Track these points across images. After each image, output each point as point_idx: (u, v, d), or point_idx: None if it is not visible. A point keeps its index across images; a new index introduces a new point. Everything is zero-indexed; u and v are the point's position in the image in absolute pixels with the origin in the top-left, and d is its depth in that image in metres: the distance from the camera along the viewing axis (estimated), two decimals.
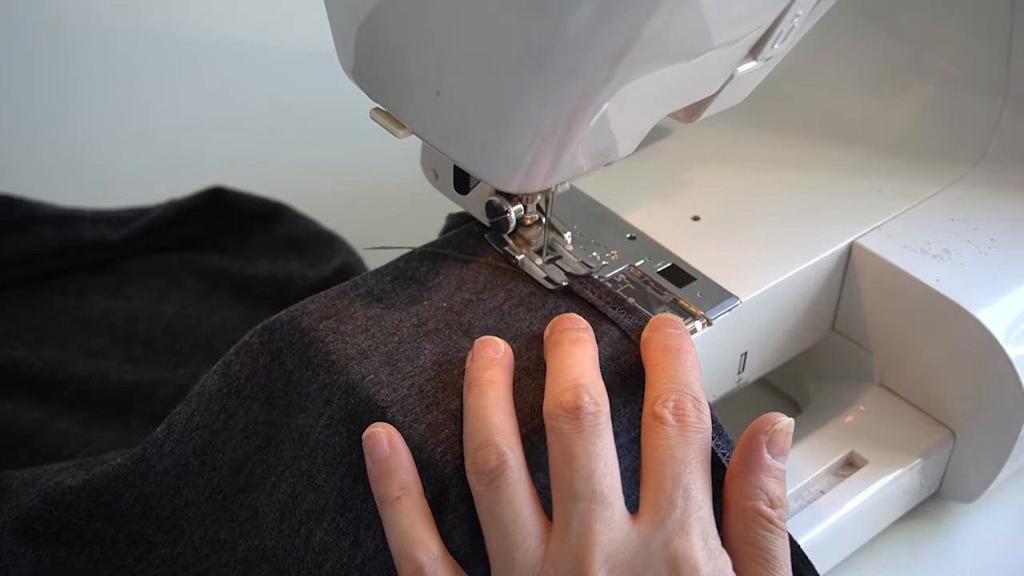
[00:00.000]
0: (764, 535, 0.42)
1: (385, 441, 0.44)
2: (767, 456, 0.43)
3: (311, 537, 0.46)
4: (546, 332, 0.48)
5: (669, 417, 0.43)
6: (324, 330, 0.48)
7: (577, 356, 0.45)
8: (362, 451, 0.45)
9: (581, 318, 0.48)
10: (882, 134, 0.63)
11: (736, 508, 0.43)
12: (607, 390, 0.46)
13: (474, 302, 0.50)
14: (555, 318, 0.48)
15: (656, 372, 0.46)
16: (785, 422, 0.44)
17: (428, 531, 0.44)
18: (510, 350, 0.47)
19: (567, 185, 0.52)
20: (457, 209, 0.56)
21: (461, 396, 0.46)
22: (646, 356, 0.47)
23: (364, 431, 0.45)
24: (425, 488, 0.45)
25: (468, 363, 0.46)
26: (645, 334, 0.48)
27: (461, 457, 0.45)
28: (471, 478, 0.43)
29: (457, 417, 0.46)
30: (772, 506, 0.43)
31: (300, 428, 0.48)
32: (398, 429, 0.45)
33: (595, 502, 0.41)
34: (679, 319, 0.48)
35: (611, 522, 0.41)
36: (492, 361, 0.46)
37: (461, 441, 0.45)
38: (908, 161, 0.61)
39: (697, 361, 0.46)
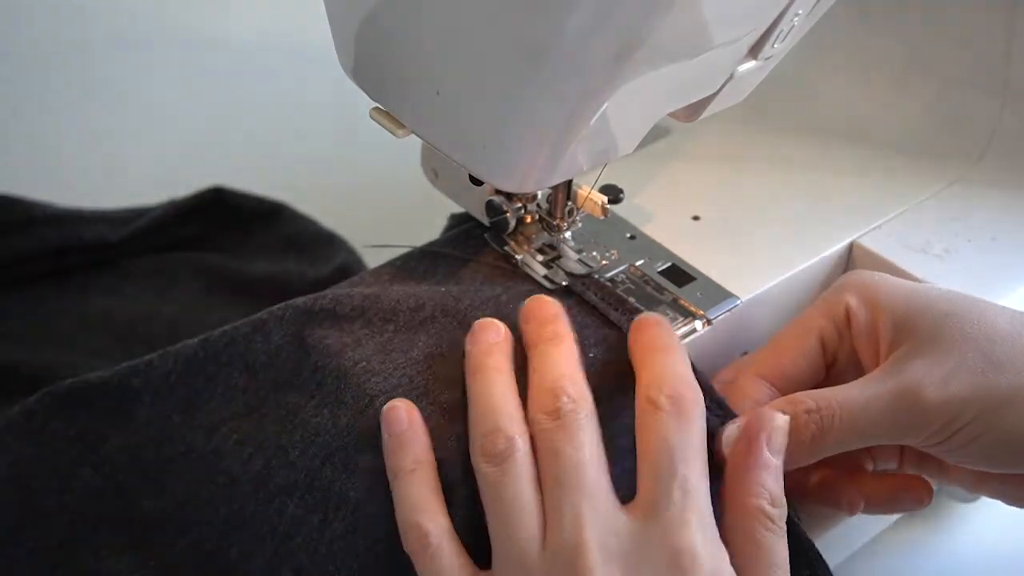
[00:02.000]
0: (766, 535, 0.42)
1: (404, 415, 0.45)
2: (768, 453, 0.43)
3: (284, 509, 0.47)
4: (520, 320, 0.48)
5: (664, 402, 0.43)
6: (320, 312, 0.49)
7: (555, 357, 0.46)
8: (337, 434, 0.46)
9: (551, 302, 0.48)
10: (882, 134, 0.63)
11: (738, 505, 0.43)
12: (606, 393, 0.46)
13: (471, 292, 0.51)
14: (526, 304, 0.48)
15: (647, 365, 0.46)
16: (782, 419, 0.44)
17: (439, 504, 0.44)
18: (509, 333, 0.47)
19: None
20: (458, 209, 0.56)
21: (450, 390, 0.47)
22: (634, 355, 0.47)
23: (348, 416, 0.46)
24: None
25: (468, 346, 0.47)
26: (631, 336, 0.47)
27: (445, 449, 0.45)
28: (477, 460, 0.44)
29: (445, 411, 0.46)
30: (774, 505, 0.43)
31: (289, 406, 0.48)
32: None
33: (582, 491, 0.42)
34: (664, 319, 0.48)
35: (600, 511, 0.41)
36: (494, 346, 0.46)
37: (446, 434, 0.45)
38: (908, 160, 0.61)
39: (687, 357, 0.47)
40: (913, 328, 0.45)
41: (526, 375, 0.46)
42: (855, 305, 0.47)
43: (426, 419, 0.45)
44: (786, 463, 0.45)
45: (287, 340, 0.49)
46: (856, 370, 0.48)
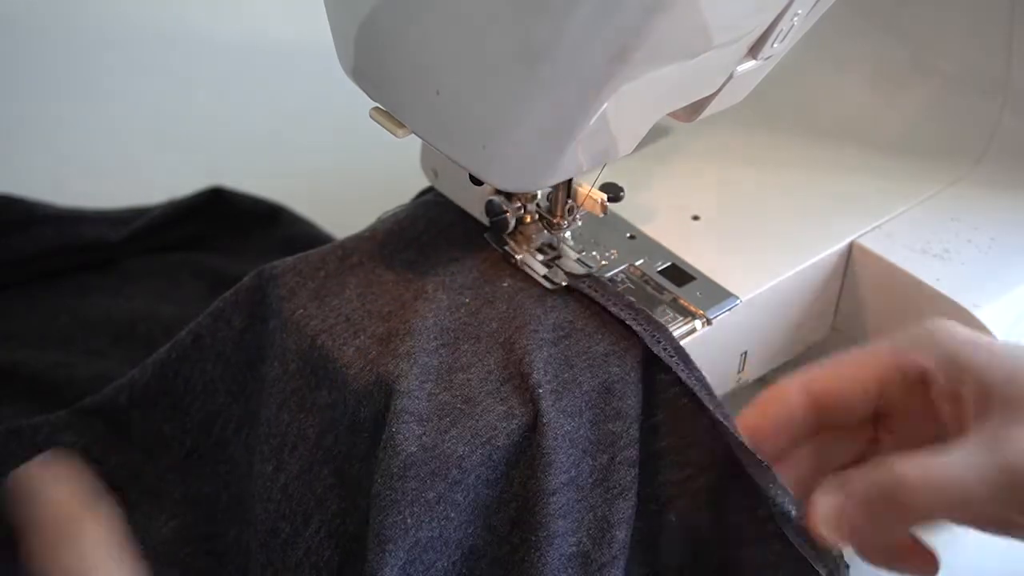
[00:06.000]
0: None
1: None
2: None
3: (250, 469, 0.48)
4: None
5: None
6: (263, 280, 0.51)
7: None
8: (289, 379, 0.48)
9: None
10: (882, 134, 0.63)
11: None
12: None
13: (395, 235, 0.53)
14: None
15: None
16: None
17: None
18: None
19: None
20: (453, 208, 0.57)
21: (386, 322, 0.48)
22: None
23: (296, 361, 0.48)
24: (350, 406, 0.47)
25: None
26: None
27: (386, 376, 0.46)
28: None
29: (382, 340, 0.47)
30: None
31: (261, 378, 0.50)
32: (327, 353, 0.47)
33: None
34: None
35: None
36: None
37: (387, 362, 0.46)
38: (908, 160, 0.61)
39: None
40: (1011, 396, 0.42)
41: (502, 347, 0.48)
42: (933, 368, 0.44)
43: (366, 351, 0.47)
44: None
45: (246, 321, 0.51)
46: (913, 426, 0.45)
